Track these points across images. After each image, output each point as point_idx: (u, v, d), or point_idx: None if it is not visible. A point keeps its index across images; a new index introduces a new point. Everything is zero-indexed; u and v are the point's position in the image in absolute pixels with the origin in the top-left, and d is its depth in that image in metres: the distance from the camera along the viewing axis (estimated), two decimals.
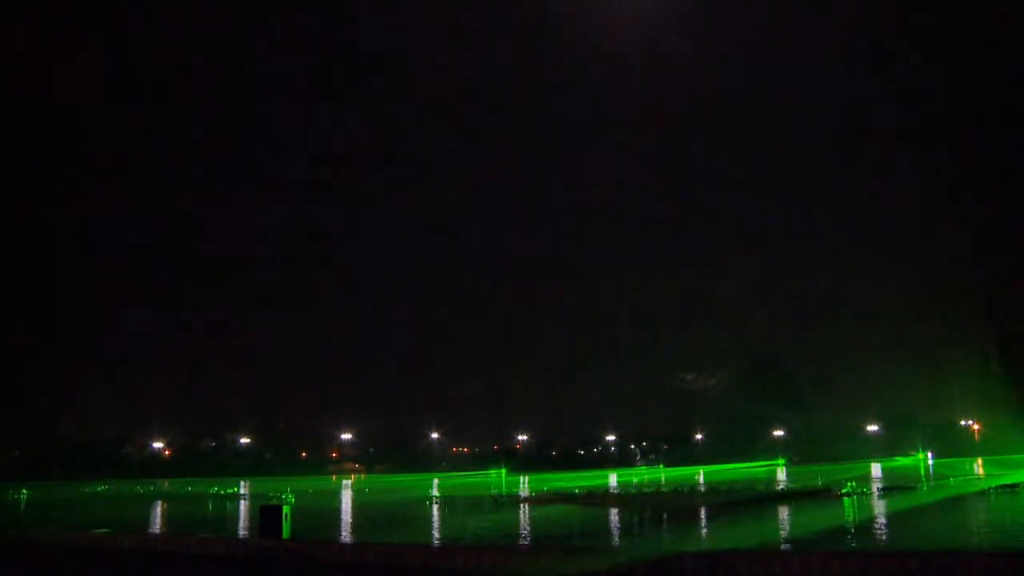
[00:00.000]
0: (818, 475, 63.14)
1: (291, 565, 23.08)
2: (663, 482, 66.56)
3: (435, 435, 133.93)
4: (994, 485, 47.16)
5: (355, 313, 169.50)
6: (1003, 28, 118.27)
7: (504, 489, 64.47)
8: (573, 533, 30.78)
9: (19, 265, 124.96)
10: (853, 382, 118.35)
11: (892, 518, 32.63)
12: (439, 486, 70.79)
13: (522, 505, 45.88)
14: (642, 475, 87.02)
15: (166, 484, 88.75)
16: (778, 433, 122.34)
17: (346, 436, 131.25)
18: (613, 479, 75.81)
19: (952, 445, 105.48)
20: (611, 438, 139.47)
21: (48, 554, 27.18)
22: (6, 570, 24.65)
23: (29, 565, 25.43)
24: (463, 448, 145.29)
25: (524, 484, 71.60)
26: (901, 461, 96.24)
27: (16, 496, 63.34)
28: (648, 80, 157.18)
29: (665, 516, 36.61)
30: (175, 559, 25.04)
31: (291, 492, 55.25)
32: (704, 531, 30.71)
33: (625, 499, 47.02)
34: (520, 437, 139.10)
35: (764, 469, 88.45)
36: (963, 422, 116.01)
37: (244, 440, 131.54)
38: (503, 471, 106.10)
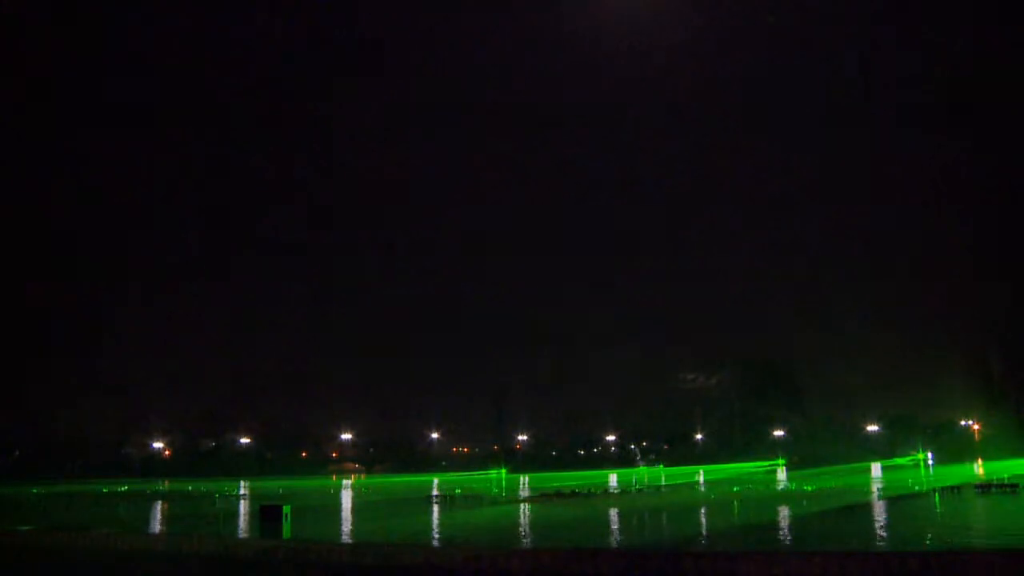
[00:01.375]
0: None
1: (290, 565, 23.08)
2: (663, 481, 66.76)
3: (435, 435, 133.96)
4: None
5: (354, 314, 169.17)
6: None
7: (504, 488, 64.65)
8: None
9: (19, 264, 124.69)
10: (854, 382, 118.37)
11: None
12: (438, 485, 70.98)
13: (522, 505, 46.21)
14: (642, 475, 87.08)
15: (165, 484, 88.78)
16: (778, 433, 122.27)
17: (346, 436, 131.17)
18: (613, 479, 75.98)
19: (953, 446, 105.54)
20: (611, 438, 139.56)
21: (46, 555, 27.18)
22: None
23: (31, 566, 25.48)
24: (463, 448, 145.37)
25: (524, 483, 71.90)
26: (899, 461, 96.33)
27: (27, 496, 63.29)
28: (649, 75, 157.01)
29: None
30: (175, 559, 25.05)
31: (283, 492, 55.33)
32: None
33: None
34: (520, 437, 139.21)
35: (764, 469, 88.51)
36: (963, 422, 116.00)
37: (244, 440, 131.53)
38: (503, 471, 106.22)
